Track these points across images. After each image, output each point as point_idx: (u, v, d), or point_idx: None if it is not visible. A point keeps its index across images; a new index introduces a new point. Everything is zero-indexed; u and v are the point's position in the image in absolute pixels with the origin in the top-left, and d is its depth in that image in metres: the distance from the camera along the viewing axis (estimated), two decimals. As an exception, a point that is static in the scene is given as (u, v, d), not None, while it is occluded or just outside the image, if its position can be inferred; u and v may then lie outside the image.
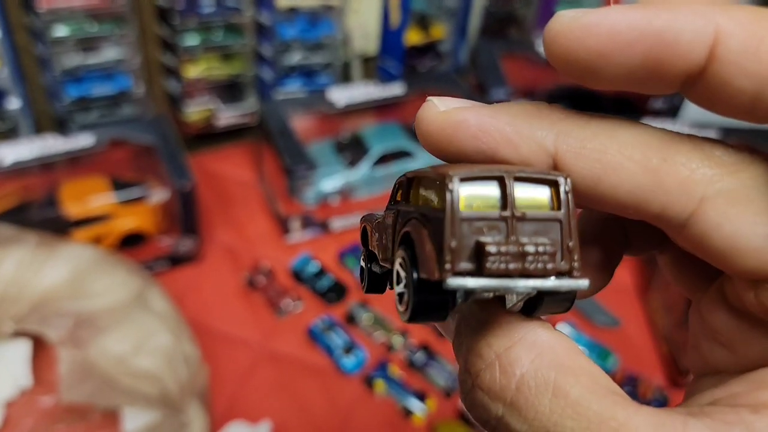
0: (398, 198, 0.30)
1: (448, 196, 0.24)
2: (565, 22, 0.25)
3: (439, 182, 0.25)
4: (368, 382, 0.97)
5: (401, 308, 0.27)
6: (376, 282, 0.34)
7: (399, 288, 0.27)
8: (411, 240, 0.26)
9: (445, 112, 0.28)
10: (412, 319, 0.26)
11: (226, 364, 0.99)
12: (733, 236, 0.25)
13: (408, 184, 0.29)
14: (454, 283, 0.24)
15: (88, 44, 1.13)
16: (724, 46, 0.23)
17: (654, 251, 0.35)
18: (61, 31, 1.09)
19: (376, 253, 0.32)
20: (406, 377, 0.99)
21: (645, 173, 0.26)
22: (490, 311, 0.28)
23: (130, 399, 0.82)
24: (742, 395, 0.26)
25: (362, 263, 0.35)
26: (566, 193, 0.26)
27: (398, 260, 0.27)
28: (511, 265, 0.24)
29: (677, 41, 0.24)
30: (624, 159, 0.26)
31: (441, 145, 0.28)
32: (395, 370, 0.99)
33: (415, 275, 0.25)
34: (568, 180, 0.26)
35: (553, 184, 0.26)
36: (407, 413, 0.94)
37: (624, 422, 0.24)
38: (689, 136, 0.27)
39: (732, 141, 0.26)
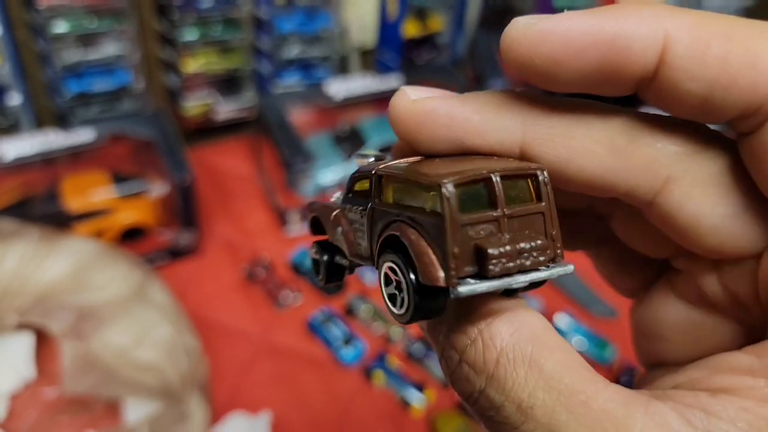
0: (356, 190, 0.32)
1: (445, 203, 0.25)
2: (521, 29, 0.26)
3: (430, 187, 0.25)
4: (367, 373, 0.98)
5: (398, 310, 0.27)
6: (333, 273, 0.35)
7: (389, 290, 0.28)
8: (400, 244, 0.27)
9: (416, 101, 0.29)
10: (411, 321, 0.27)
11: (226, 356, 1.00)
12: (695, 215, 0.27)
13: (378, 180, 0.29)
14: (465, 291, 0.24)
15: (87, 40, 1.14)
16: (673, 51, 0.24)
17: (589, 250, 0.36)
18: (61, 27, 1.10)
19: (341, 246, 0.32)
20: (405, 368, 1.00)
21: (612, 155, 0.27)
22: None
23: (132, 390, 0.83)
24: (700, 380, 0.27)
25: (315, 255, 0.35)
26: (545, 184, 0.27)
27: (387, 264, 0.28)
28: (510, 264, 0.25)
29: (629, 47, 0.25)
30: (591, 143, 0.27)
31: (411, 132, 0.29)
32: (394, 361, 1.00)
33: (413, 280, 0.26)
34: (545, 172, 0.27)
35: (532, 177, 0.27)
36: (406, 404, 0.95)
37: (592, 395, 0.25)
38: (656, 116, 0.28)
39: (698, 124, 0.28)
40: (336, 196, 0.34)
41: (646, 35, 0.24)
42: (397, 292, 0.27)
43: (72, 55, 1.13)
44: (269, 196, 1.25)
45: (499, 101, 0.29)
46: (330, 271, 0.34)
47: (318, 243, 0.35)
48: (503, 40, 0.27)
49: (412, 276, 0.26)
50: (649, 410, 0.25)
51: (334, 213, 0.33)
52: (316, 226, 0.35)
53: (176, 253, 1.12)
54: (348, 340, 1.02)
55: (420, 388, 0.97)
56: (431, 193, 0.26)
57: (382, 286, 0.28)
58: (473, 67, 1.43)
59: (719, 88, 0.24)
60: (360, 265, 0.33)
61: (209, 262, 1.14)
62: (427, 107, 0.29)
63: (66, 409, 0.85)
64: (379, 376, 0.97)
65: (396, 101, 0.30)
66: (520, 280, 0.26)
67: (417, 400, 0.95)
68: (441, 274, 0.25)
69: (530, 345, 0.26)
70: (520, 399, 0.26)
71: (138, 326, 0.87)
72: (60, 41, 1.11)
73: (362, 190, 0.31)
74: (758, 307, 0.29)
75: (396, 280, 0.27)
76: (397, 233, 0.27)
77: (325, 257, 0.34)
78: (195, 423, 0.86)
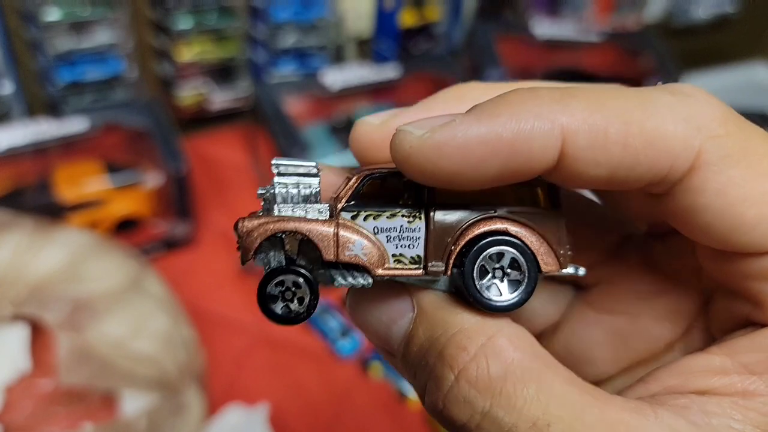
0: (364, 194, 0.30)
1: (546, 199, 0.30)
2: (415, 142, 0.26)
3: (531, 185, 0.30)
4: (364, 365, 0.98)
5: (505, 296, 0.30)
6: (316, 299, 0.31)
7: (485, 281, 0.30)
8: (513, 239, 0.29)
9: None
10: (519, 305, 0.29)
11: (222, 347, 0.99)
12: (740, 203, 0.25)
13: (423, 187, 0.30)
14: (568, 270, 0.30)
15: (80, 28, 1.12)
16: (573, 145, 0.25)
17: None
18: (53, 14, 1.08)
19: (359, 262, 0.30)
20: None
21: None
22: (449, 305, 0.30)
23: (128, 382, 0.82)
24: (680, 385, 0.28)
25: (294, 282, 0.30)
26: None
27: (506, 258, 0.30)
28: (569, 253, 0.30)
29: (529, 149, 0.25)
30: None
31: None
32: (391, 352, 1.00)
33: (531, 269, 0.30)
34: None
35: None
36: (403, 396, 0.95)
37: (604, 407, 0.25)
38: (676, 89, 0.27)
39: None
40: (281, 208, 0.30)
41: (543, 135, 0.25)
42: (496, 282, 0.30)
43: (64, 43, 1.12)
44: (264, 187, 1.24)
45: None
46: (316, 298, 0.30)
47: (293, 268, 0.30)
48: (395, 152, 0.27)
49: (533, 266, 0.29)
50: (658, 416, 0.25)
51: (342, 225, 0.30)
52: (269, 249, 0.30)
53: (171, 244, 1.12)
54: (345, 332, 1.01)
55: (417, 379, 0.96)
56: (534, 189, 0.30)
57: (476, 279, 0.29)
58: (470, 58, 1.42)
59: (622, 169, 0.25)
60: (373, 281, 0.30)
61: (205, 252, 1.13)
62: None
63: (62, 401, 0.84)
64: (377, 368, 0.97)
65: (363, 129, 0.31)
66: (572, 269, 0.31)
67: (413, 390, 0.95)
68: (557, 259, 0.30)
69: (535, 361, 0.27)
70: (534, 417, 0.25)
71: (134, 318, 0.86)
72: (52, 29, 1.09)
73: (378, 193, 0.31)
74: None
75: (497, 269, 0.30)
76: (506, 227, 0.29)
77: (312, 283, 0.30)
78: (192, 414, 0.85)
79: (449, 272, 0.30)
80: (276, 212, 0.30)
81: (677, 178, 0.25)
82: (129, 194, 1.08)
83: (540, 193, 0.31)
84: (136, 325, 0.86)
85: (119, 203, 1.07)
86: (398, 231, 0.30)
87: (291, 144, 1.14)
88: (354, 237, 0.30)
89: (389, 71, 1.29)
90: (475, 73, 1.36)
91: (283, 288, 0.30)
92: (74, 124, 1.06)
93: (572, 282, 0.36)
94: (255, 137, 1.27)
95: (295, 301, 0.30)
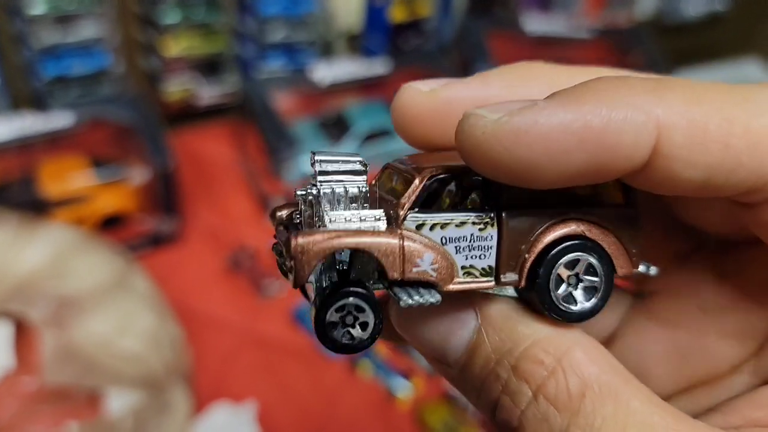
0: (426, 203, 0.27)
1: (627, 191, 0.28)
2: (489, 126, 0.23)
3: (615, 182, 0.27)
4: (353, 363, 0.97)
5: (582, 304, 0.27)
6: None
7: (562, 290, 0.27)
8: (590, 243, 0.28)
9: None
10: (599, 310, 0.28)
11: (209, 345, 0.98)
12: None
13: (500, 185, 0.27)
14: (640, 269, 0.29)
15: (66, 21, 1.11)
16: (669, 141, 0.22)
17: None
18: (38, 7, 1.07)
19: (428, 278, 0.26)
20: (392, 357, 0.99)
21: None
22: (518, 315, 0.27)
23: (114, 380, 0.81)
24: (763, 419, 0.26)
25: (369, 309, 0.26)
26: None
27: (582, 264, 0.28)
28: None
29: (619, 144, 0.22)
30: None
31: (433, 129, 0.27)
32: (381, 351, 0.99)
33: (608, 274, 0.28)
34: None
35: None
36: (391, 395, 0.94)
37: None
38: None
39: None
40: (332, 216, 0.27)
41: (637, 128, 0.22)
42: (571, 290, 0.27)
43: (50, 37, 1.10)
44: (253, 183, 1.23)
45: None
46: (381, 323, 0.26)
47: (355, 290, 0.26)
48: (465, 137, 0.23)
49: (604, 269, 0.27)
50: None
51: (406, 237, 0.26)
52: (366, 267, 0.27)
53: (158, 241, 1.10)
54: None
55: (407, 377, 0.96)
56: (617, 186, 0.28)
57: (553, 289, 0.27)
58: (461, 53, 1.41)
59: (721, 172, 0.22)
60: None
61: (192, 249, 1.12)
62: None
63: (46, 400, 0.83)
64: (366, 366, 0.97)
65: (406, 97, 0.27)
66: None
67: (404, 388, 0.94)
68: (629, 261, 0.28)
69: (613, 376, 0.24)
70: None
71: (120, 315, 0.85)
72: (37, 22, 1.08)
73: (439, 191, 0.27)
74: None
75: (571, 276, 0.27)
76: (582, 230, 0.27)
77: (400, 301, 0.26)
78: (178, 413, 0.84)
79: (523, 283, 0.27)
80: (327, 221, 0.26)
81: None
82: (115, 190, 1.07)
83: (612, 187, 0.28)
84: (121, 322, 0.85)
85: (105, 199, 1.06)
86: (468, 241, 0.27)
87: (279, 140, 1.13)
88: (421, 250, 0.26)
89: (379, 67, 1.28)
90: (466, 68, 1.35)
91: (344, 313, 0.26)
92: (59, 119, 1.05)
93: (632, 290, 0.34)
94: (243, 133, 1.26)
95: (357, 327, 0.26)
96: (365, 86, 1.29)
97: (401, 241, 0.26)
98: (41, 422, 0.82)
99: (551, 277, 0.27)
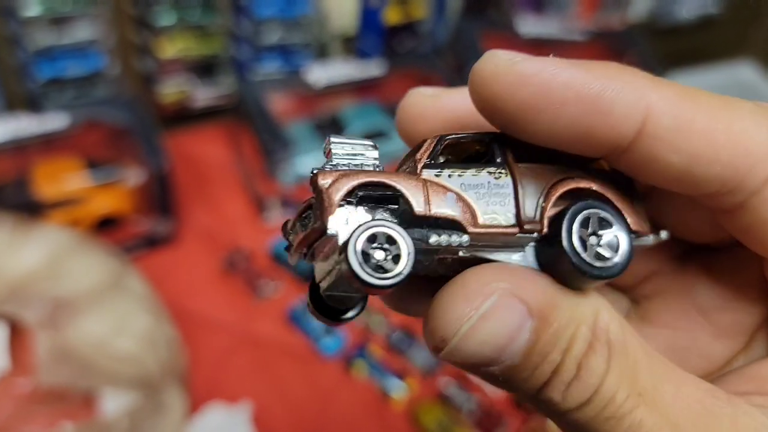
0: (444, 155, 0.28)
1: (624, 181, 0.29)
2: (500, 64, 0.25)
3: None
4: (348, 363, 0.98)
5: (607, 259, 0.26)
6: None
7: (586, 245, 0.26)
8: (602, 197, 0.27)
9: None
10: (626, 268, 0.26)
11: (205, 346, 0.98)
12: None
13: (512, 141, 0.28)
14: (665, 236, 0.29)
15: (61, 23, 1.11)
16: (656, 123, 0.24)
17: None
18: (33, 9, 1.07)
19: (451, 215, 0.26)
20: (387, 358, 0.99)
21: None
22: (560, 297, 0.27)
23: (109, 381, 0.81)
24: (757, 390, 0.27)
25: (410, 248, 0.25)
26: None
27: (594, 220, 0.26)
28: None
29: (610, 111, 0.24)
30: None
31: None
32: (375, 351, 0.99)
33: (624, 227, 0.27)
34: None
35: None
36: (386, 395, 0.94)
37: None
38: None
39: None
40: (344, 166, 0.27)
41: (629, 102, 0.24)
42: (593, 245, 0.26)
43: (44, 39, 1.10)
44: (248, 185, 1.24)
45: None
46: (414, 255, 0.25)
47: (383, 219, 0.25)
48: (477, 72, 0.25)
49: (619, 221, 0.27)
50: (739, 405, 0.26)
51: (428, 180, 0.26)
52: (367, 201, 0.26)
53: (153, 242, 1.10)
54: (329, 330, 1.01)
55: (401, 377, 0.96)
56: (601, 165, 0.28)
57: (576, 243, 0.26)
58: (455, 55, 1.42)
59: (702, 162, 0.24)
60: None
61: (187, 251, 1.12)
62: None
63: (41, 401, 0.83)
64: (360, 367, 0.97)
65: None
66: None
67: (398, 389, 0.95)
68: (640, 220, 0.28)
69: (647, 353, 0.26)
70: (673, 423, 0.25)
71: (115, 316, 0.86)
72: (32, 24, 1.08)
73: (461, 155, 0.28)
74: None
75: (590, 234, 0.26)
76: (591, 185, 0.27)
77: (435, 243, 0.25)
78: (174, 414, 0.85)
79: (545, 229, 0.27)
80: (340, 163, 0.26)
81: (756, 186, 0.24)
82: (110, 192, 1.07)
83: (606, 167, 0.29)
84: (117, 323, 0.85)
85: (100, 201, 1.06)
86: (486, 187, 0.27)
87: (275, 141, 1.13)
88: (444, 189, 0.26)
89: (374, 68, 1.28)
90: (460, 70, 1.36)
91: (375, 244, 0.24)
92: (54, 121, 1.05)
93: (628, 293, 0.34)
94: (238, 135, 1.26)
95: (390, 260, 0.24)
96: (360, 88, 1.29)
97: (424, 182, 0.26)
98: (36, 423, 0.81)
99: (573, 229, 0.26)
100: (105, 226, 1.08)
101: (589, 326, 0.25)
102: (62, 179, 1.04)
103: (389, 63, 1.30)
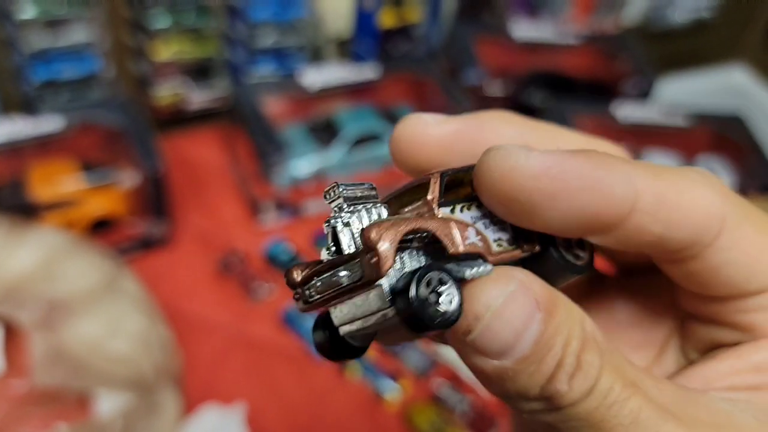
0: (446, 194, 0.29)
1: None
2: (517, 158, 0.26)
3: None
4: (342, 365, 0.98)
5: (581, 261, 0.31)
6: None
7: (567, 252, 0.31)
8: None
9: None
10: (593, 263, 0.32)
11: (199, 348, 0.99)
12: (759, 253, 0.29)
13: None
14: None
15: (56, 26, 1.11)
16: (643, 201, 0.27)
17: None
18: (28, 12, 1.07)
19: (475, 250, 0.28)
20: (380, 360, 1.00)
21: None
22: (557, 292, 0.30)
23: (103, 382, 0.82)
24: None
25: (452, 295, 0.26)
26: None
27: None
28: None
29: (612, 195, 0.27)
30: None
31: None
32: (369, 352, 1.00)
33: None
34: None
35: None
36: (380, 397, 0.95)
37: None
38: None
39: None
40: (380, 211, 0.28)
41: (625, 184, 0.27)
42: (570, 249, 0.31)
43: (40, 41, 1.11)
44: (243, 187, 1.24)
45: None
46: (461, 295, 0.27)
47: (435, 264, 0.26)
48: (489, 165, 0.27)
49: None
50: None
51: (448, 218, 0.28)
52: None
53: (148, 244, 1.11)
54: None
55: (395, 379, 0.97)
56: None
57: (563, 249, 0.30)
58: (449, 59, 1.42)
59: (673, 228, 0.28)
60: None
61: (182, 253, 1.13)
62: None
63: (36, 402, 0.83)
64: (354, 368, 0.97)
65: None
66: None
67: (392, 390, 0.95)
68: None
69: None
70: None
71: (110, 318, 0.86)
72: (27, 26, 1.08)
73: (451, 185, 0.29)
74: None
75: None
76: None
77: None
78: (168, 415, 0.85)
79: (537, 248, 0.30)
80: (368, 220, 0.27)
81: (709, 240, 0.28)
82: (105, 194, 1.07)
83: None
84: (112, 325, 0.86)
85: (95, 203, 1.06)
86: (490, 216, 0.29)
87: (269, 144, 1.13)
88: (465, 226, 0.28)
89: (368, 72, 1.29)
90: (454, 74, 1.37)
91: (430, 288, 0.25)
92: (49, 123, 1.05)
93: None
94: (233, 137, 1.27)
95: (442, 301, 0.25)
96: (354, 91, 1.29)
97: (447, 222, 0.27)
98: (31, 424, 0.82)
99: (556, 241, 0.30)
100: (100, 228, 1.08)
101: (582, 326, 0.27)
102: (57, 181, 1.05)
103: (384, 66, 1.30)
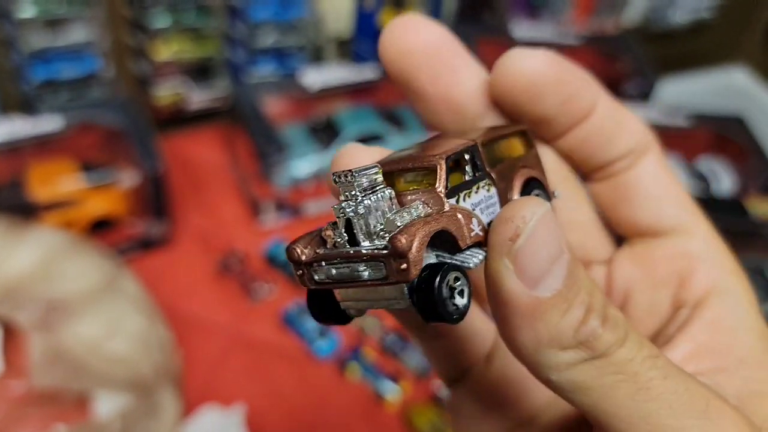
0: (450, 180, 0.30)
1: (528, 141, 0.35)
2: (535, 53, 0.33)
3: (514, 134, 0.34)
4: (341, 365, 0.98)
5: None
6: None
7: None
8: (537, 181, 0.33)
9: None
10: None
11: (199, 348, 0.98)
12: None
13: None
14: (557, 194, 0.35)
15: (56, 25, 1.11)
16: (602, 105, 0.34)
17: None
18: (28, 11, 1.07)
19: (469, 241, 0.29)
20: (380, 361, 1.00)
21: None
22: None
23: (102, 383, 0.81)
24: None
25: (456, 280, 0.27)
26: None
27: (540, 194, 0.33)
28: None
29: (588, 85, 0.34)
30: None
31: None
32: (369, 353, 1.00)
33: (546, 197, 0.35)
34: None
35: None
36: (380, 397, 0.95)
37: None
38: None
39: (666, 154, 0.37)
40: (397, 217, 0.27)
41: (595, 85, 0.34)
42: None
43: (39, 41, 1.11)
44: (243, 187, 1.24)
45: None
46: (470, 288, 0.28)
47: (450, 261, 0.28)
48: (513, 56, 0.33)
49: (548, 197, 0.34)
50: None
51: (456, 210, 0.28)
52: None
53: (148, 245, 1.11)
54: (322, 332, 1.01)
55: (395, 380, 0.96)
56: (516, 139, 0.34)
57: None
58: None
59: (618, 135, 0.34)
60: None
61: (182, 253, 1.12)
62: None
63: (35, 403, 0.83)
64: (354, 369, 0.97)
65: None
66: None
67: (392, 391, 0.95)
68: (549, 189, 0.34)
69: None
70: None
71: (109, 318, 0.86)
72: (27, 26, 1.08)
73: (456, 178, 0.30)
74: None
75: None
76: (532, 175, 0.32)
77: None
78: (167, 416, 0.85)
79: None
80: (399, 222, 0.27)
81: (641, 153, 0.34)
82: (104, 194, 1.07)
83: (521, 142, 0.34)
84: (111, 325, 0.85)
85: (94, 203, 1.06)
86: (485, 202, 0.30)
87: (270, 144, 1.13)
88: (470, 217, 0.29)
89: (369, 72, 1.29)
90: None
91: (448, 286, 0.27)
92: (49, 123, 1.05)
93: None
94: (233, 137, 1.26)
95: (456, 296, 0.27)
96: (355, 91, 1.29)
97: (458, 215, 0.28)
98: (30, 425, 0.81)
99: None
100: (99, 228, 1.08)
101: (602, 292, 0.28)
102: (56, 181, 1.04)
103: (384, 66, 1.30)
